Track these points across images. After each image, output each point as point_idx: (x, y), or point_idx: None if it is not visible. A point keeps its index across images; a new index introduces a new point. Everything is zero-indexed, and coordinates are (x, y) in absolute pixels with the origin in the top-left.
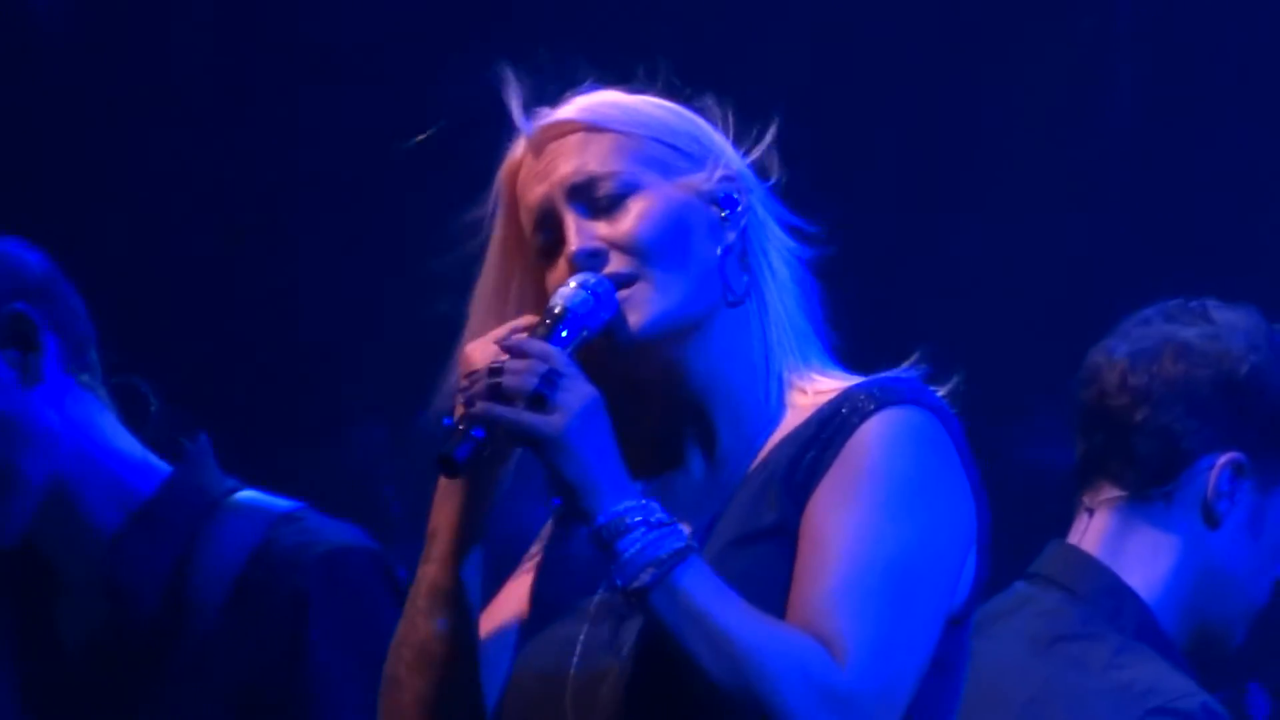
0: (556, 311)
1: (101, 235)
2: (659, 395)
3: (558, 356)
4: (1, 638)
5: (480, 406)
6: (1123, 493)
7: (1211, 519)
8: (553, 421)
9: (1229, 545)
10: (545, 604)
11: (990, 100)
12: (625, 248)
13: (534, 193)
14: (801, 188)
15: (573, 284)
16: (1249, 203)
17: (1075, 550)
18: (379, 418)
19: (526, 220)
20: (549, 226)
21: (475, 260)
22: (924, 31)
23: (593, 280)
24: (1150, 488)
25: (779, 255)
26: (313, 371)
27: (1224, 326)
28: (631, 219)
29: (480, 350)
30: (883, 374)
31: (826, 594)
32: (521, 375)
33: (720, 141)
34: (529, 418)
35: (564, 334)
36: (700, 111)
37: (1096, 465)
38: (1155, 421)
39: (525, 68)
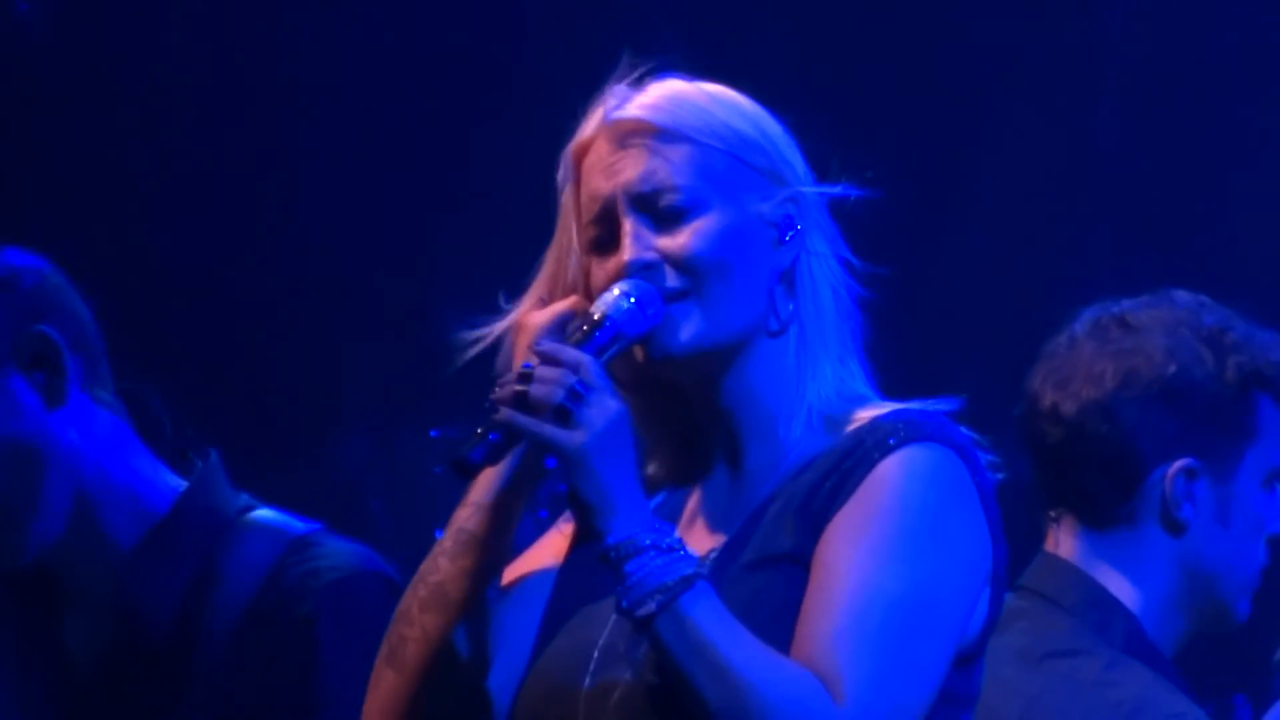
0: (596, 318)
1: (88, 241)
2: (692, 402)
3: (588, 366)
4: (9, 654)
5: (504, 413)
6: (1084, 524)
7: (1178, 527)
8: (574, 437)
9: (1204, 544)
10: (570, 602)
11: (983, 115)
12: (679, 263)
13: (598, 186)
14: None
15: (616, 291)
16: (1232, 212)
17: (1061, 562)
18: (365, 430)
19: (586, 207)
20: (606, 223)
21: (463, 259)
22: (916, 54)
23: (638, 289)
24: (1109, 514)
25: (827, 285)
26: (299, 384)
27: (1143, 333)
28: (689, 235)
29: (526, 335)
30: (912, 406)
31: (830, 631)
32: (549, 385)
33: (791, 156)
34: (550, 431)
35: (600, 342)
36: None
37: (1053, 497)
38: (1096, 450)
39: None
